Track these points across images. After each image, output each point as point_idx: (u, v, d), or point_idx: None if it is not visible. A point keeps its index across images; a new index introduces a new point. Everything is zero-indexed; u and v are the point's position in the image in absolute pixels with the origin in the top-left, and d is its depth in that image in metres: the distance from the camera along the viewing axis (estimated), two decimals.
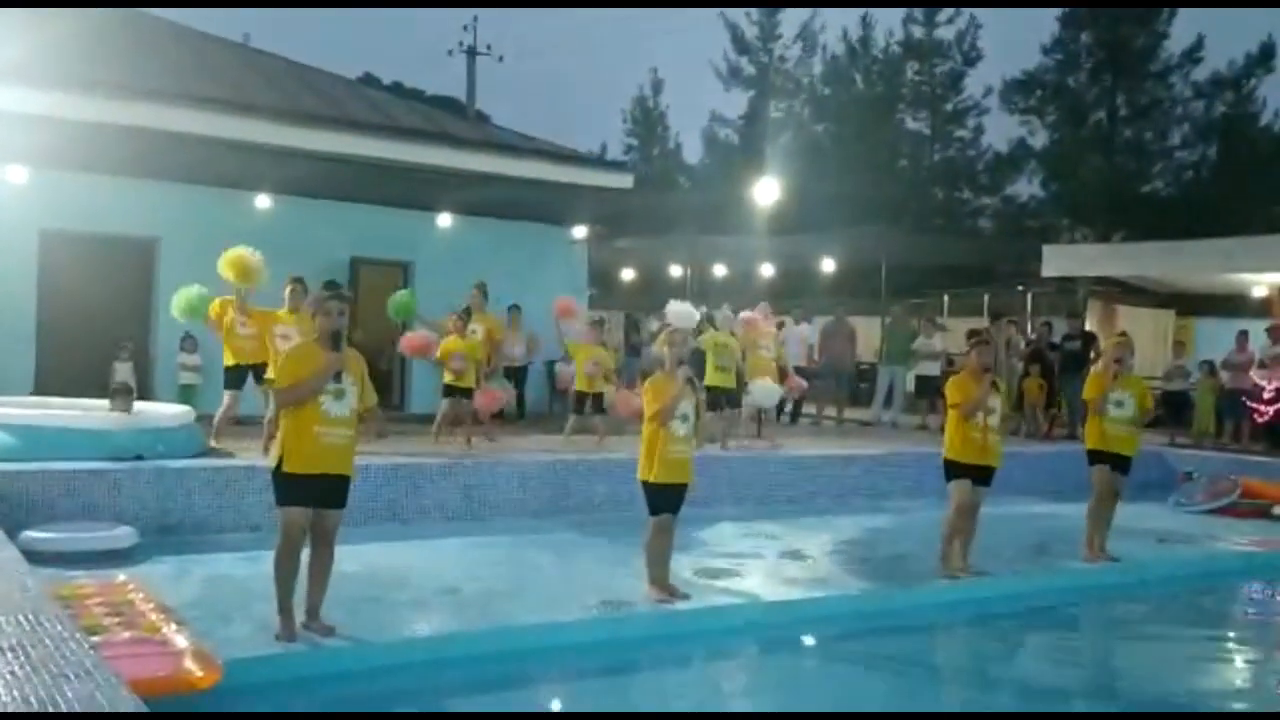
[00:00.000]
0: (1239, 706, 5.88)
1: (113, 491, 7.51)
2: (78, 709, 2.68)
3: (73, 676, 2.93)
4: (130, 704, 2.80)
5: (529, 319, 12.11)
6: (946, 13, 36.55)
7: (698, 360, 9.78)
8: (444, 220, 13.75)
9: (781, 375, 11.84)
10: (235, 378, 9.21)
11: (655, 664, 5.90)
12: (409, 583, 6.63)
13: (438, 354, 10.29)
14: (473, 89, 32.17)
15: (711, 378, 10.51)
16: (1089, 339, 13.90)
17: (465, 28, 32.31)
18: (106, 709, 2.71)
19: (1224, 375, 13.61)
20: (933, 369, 14.21)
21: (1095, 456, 7.90)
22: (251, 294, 9.10)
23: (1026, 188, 36.15)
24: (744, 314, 11.42)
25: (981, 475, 7.08)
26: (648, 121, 43.74)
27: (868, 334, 17.13)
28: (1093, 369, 8.70)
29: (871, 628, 6.64)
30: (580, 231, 15.20)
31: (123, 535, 7.05)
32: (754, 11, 39.25)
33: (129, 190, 11.82)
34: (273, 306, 9.06)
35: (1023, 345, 14.50)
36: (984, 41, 36.38)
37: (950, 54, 36.85)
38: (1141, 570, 8.12)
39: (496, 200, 13.55)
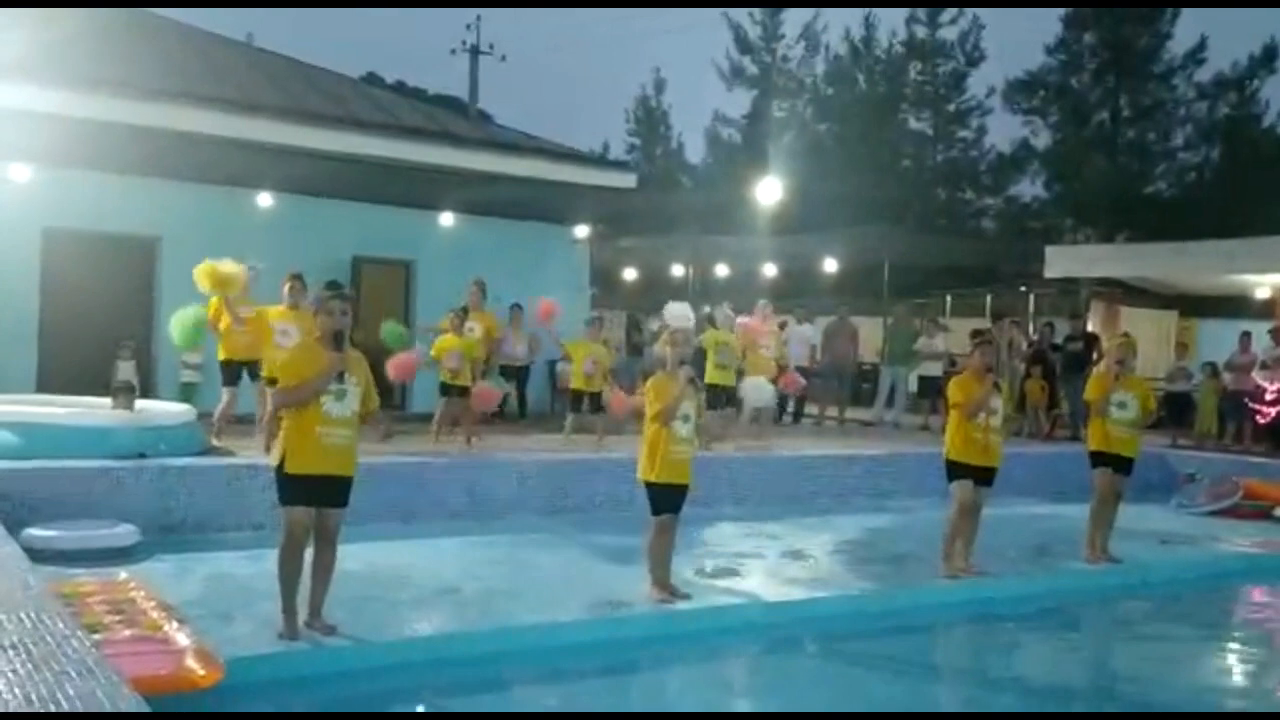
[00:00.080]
0: (1240, 707, 5.87)
1: (115, 490, 7.51)
2: (79, 707, 2.68)
3: (74, 674, 2.93)
4: (132, 702, 2.79)
5: (531, 318, 12.10)
6: (949, 13, 36.51)
7: (698, 358, 9.79)
8: (446, 219, 13.75)
9: (780, 372, 11.84)
10: (230, 374, 9.31)
11: (656, 664, 5.90)
12: (410, 582, 6.64)
13: (433, 352, 10.29)
14: (475, 88, 32.23)
15: (711, 375, 10.51)
16: (1091, 340, 13.89)
17: (468, 27, 32.42)
18: (108, 707, 2.71)
19: (1226, 377, 13.59)
20: (935, 369, 14.20)
21: (1097, 458, 7.89)
22: (247, 294, 9.16)
23: (1029, 188, 36.19)
24: (741, 319, 11.41)
25: (983, 476, 7.08)
26: (650, 121, 43.72)
27: (870, 334, 17.12)
28: (1095, 370, 8.69)
29: (873, 628, 6.64)
30: (582, 231, 15.20)
31: (124, 533, 7.05)
32: (757, 11, 39.23)
33: (132, 189, 11.83)
34: (272, 304, 9.09)
35: (1025, 346, 14.50)
36: (987, 42, 36.41)
37: (953, 54, 36.80)
38: (1143, 571, 8.11)
39: (499, 199, 13.55)
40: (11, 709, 2.63)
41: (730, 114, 40.39)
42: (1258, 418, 13.15)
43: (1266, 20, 33.61)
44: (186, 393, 11.17)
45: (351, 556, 5.80)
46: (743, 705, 5.68)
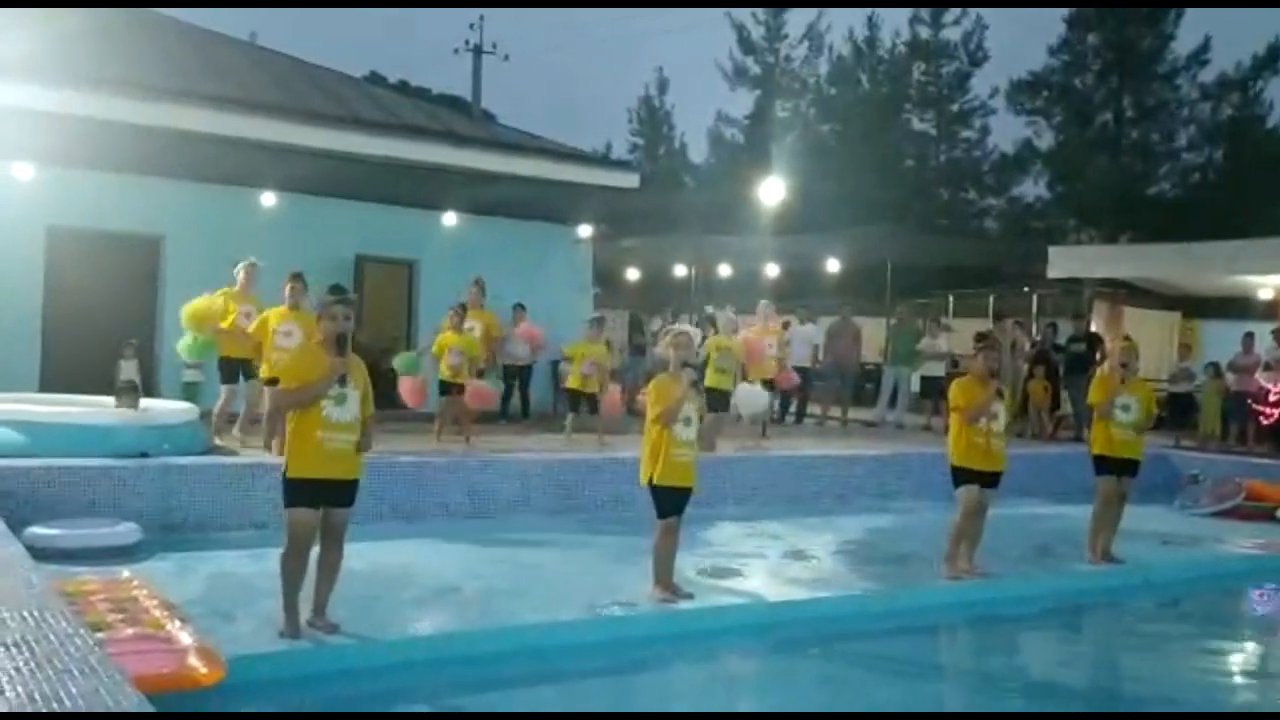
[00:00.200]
0: (1240, 707, 5.86)
1: (117, 488, 7.53)
2: (82, 706, 2.68)
3: (77, 673, 2.93)
4: (134, 701, 2.80)
5: (533, 318, 12.10)
6: (953, 13, 36.47)
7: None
8: (449, 219, 13.75)
9: (778, 370, 11.82)
10: (228, 371, 9.36)
11: (658, 663, 5.90)
12: (412, 581, 6.65)
13: (433, 349, 10.29)
14: (478, 88, 32.29)
15: (711, 379, 10.48)
16: (1094, 341, 13.88)
17: (471, 27, 32.49)
18: (110, 706, 2.71)
19: (1230, 378, 13.57)
20: (938, 369, 14.20)
21: (1101, 463, 7.87)
22: (249, 292, 9.34)
23: (1032, 189, 36.13)
24: (742, 334, 11.41)
25: (989, 480, 7.08)
26: (653, 121, 43.72)
27: (873, 334, 17.11)
28: (1098, 373, 8.68)
29: (875, 628, 6.63)
30: (585, 231, 15.19)
31: (127, 532, 7.06)
32: (760, 11, 39.22)
33: (135, 187, 11.84)
34: (273, 304, 9.13)
35: (1028, 347, 14.48)
36: (990, 42, 36.36)
37: (956, 54, 36.75)
38: (1146, 572, 8.11)
39: (501, 199, 13.54)
40: (14, 707, 2.63)
41: (733, 114, 40.46)
42: (1261, 419, 13.13)
43: (1270, 21, 33.58)
44: (189, 392, 11.16)
45: (354, 555, 5.80)
46: (745, 705, 5.67)
